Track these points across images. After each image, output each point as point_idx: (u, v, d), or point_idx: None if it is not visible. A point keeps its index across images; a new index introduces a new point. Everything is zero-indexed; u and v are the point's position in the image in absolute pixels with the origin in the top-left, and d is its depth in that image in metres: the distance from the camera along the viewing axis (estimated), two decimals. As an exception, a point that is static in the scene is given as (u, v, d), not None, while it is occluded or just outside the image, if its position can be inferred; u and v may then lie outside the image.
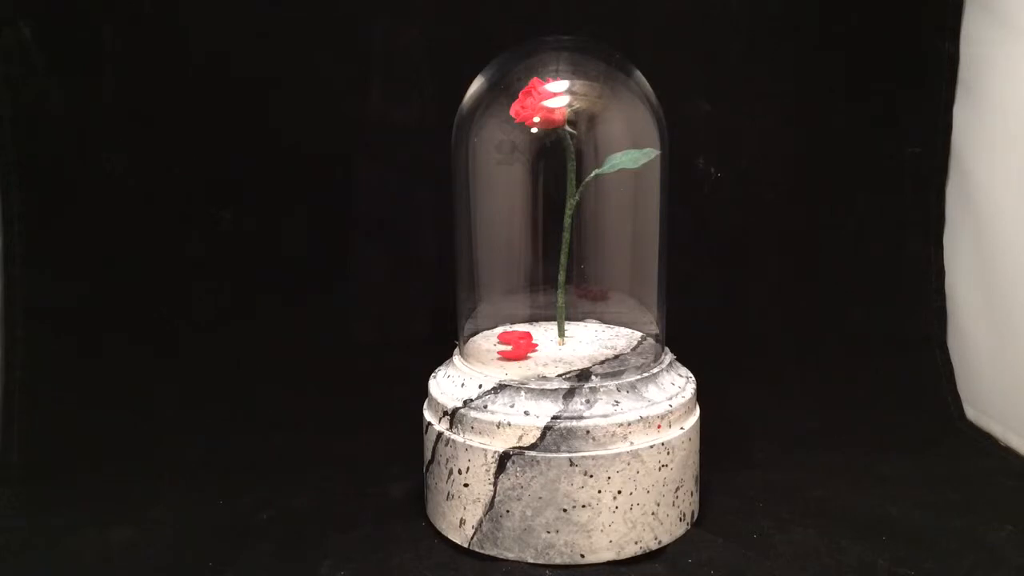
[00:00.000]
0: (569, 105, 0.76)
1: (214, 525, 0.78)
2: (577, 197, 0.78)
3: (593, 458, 0.70)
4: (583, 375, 0.74)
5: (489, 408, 0.72)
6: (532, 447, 0.70)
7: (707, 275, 1.10)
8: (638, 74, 0.81)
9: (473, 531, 0.72)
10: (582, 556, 0.71)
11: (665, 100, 0.81)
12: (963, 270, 1.05)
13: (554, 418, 0.70)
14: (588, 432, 0.70)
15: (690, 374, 0.80)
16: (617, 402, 0.72)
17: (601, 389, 0.73)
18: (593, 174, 0.77)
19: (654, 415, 0.72)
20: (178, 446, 0.93)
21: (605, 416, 0.71)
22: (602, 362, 0.77)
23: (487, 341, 0.82)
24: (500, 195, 0.82)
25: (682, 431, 0.74)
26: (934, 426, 0.99)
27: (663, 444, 0.72)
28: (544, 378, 0.73)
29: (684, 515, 0.75)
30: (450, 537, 0.75)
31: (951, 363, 1.05)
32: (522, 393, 0.72)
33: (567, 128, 0.76)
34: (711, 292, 1.11)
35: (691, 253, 1.07)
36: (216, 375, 1.03)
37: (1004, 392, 0.96)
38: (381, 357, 1.06)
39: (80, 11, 0.97)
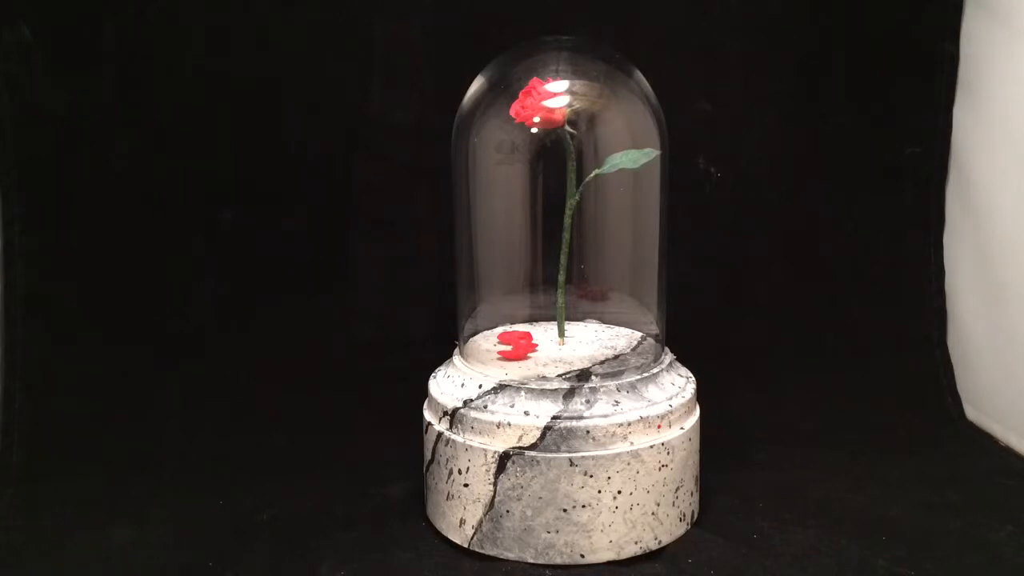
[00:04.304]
0: (569, 105, 0.76)
1: (214, 525, 0.78)
2: (577, 197, 0.78)
3: (593, 458, 0.70)
4: (583, 375, 0.74)
5: (489, 408, 0.72)
6: (532, 447, 0.70)
7: (707, 275, 1.10)
8: (638, 74, 0.81)
9: (473, 531, 0.72)
10: (582, 556, 0.71)
11: (665, 100, 0.81)
12: (963, 270, 1.05)
13: (554, 418, 0.70)
14: (588, 432, 0.70)
15: (690, 374, 0.80)
16: (617, 402, 0.72)
17: (601, 389, 0.73)
18: (593, 174, 0.77)
19: (654, 415, 0.72)
20: (178, 446, 0.93)
21: (605, 416, 0.71)
22: (602, 362, 0.77)
23: (487, 341, 0.82)
24: (500, 195, 0.82)
25: (682, 431, 0.74)
26: (934, 426, 0.99)
27: (663, 444, 0.72)
28: (544, 378, 0.73)
29: (684, 515, 0.75)
30: (450, 537, 0.75)
31: (951, 363, 1.05)
32: (522, 393, 0.72)
33: (567, 128, 0.76)
34: (711, 292, 1.11)
35: (691, 253, 1.07)
36: (216, 375, 1.03)
37: (1004, 392, 0.96)
38: (381, 357, 1.06)
39: (80, 11, 0.97)
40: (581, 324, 0.86)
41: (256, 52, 1.03)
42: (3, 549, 0.74)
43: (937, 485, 0.84)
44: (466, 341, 0.83)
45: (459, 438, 0.73)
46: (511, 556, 0.71)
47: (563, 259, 0.79)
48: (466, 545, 0.73)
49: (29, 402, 0.94)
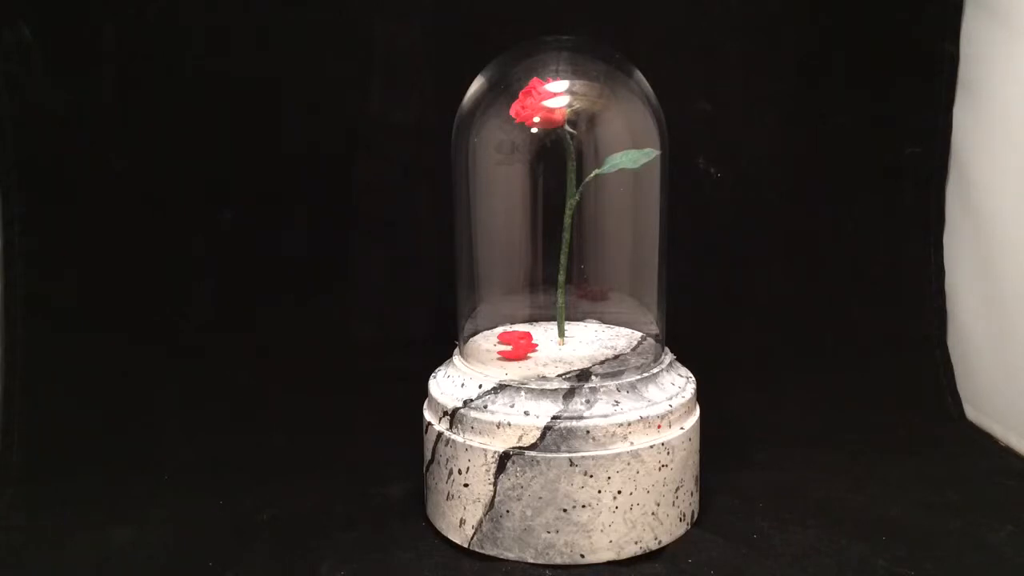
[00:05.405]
0: (569, 105, 0.76)
1: (214, 525, 0.78)
2: (577, 197, 0.78)
3: (593, 458, 0.70)
4: (583, 375, 0.74)
5: (489, 408, 0.72)
6: (532, 447, 0.70)
7: (707, 275, 1.10)
8: (638, 74, 0.81)
9: (473, 531, 0.72)
10: (582, 556, 0.71)
11: (665, 100, 0.81)
12: (963, 270, 1.05)
13: (554, 418, 0.70)
14: (588, 432, 0.70)
15: (690, 374, 0.80)
16: (617, 402, 0.72)
17: (601, 389, 0.73)
18: (593, 174, 0.77)
19: (654, 415, 0.72)
20: (178, 446, 0.93)
21: (605, 416, 0.71)
22: (602, 362, 0.77)
23: (487, 341, 0.82)
24: (500, 195, 0.82)
25: (682, 431, 0.74)
26: (934, 426, 0.99)
27: (663, 444, 0.72)
28: (544, 378, 0.73)
29: (684, 515, 0.75)
30: (450, 537, 0.75)
31: (951, 362, 1.05)
32: (522, 393, 0.72)
33: (567, 128, 0.76)
34: (711, 292, 1.11)
35: (691, 253, 1.07)
36: (216, 375, 1.03)
37: (1004, 392, 0.96)
38: (381, 357, 1.06)
39: (80, 11, 0.97)
40: (581, 324, 0.86)
41: (256, 52, 1.03)
42: (3, 549, 0.74)
43: (937, 485, 0.84)
44: (466, 341, 0.83)
45: (459, 438, 0.73)
46: (511, 556, 0.71)
47: (563, 259, 0.79)
48: (466, 545, 0.73)
49: (29, 402, 0.94)
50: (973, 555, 0.72)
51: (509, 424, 0.71)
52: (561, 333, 0.82)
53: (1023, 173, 0.93)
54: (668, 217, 0.82)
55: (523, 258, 0.83)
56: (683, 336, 0.84)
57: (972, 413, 1.01)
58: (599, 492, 0.70)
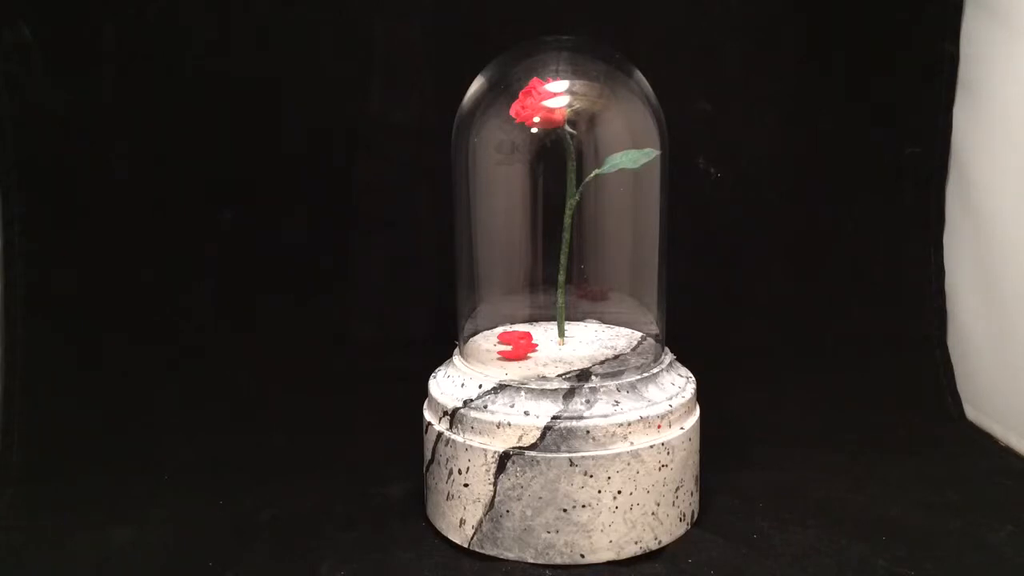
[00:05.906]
0: (569, 105, 0.76)
1: (214, 525, 0.78)
2: (577, 197, 0.78)
3: (593, 458, 0.70)
4: (583, 375, 0.74)
5: (489, 408, 0.72)
6: (532, 447, 0.70)
7: (707, 275, 1.10)
8: (638, 74, 0.81)
9: (473, 531, 0.72)
10: (582, 556, 0.71)
11: (665, 100, 0.81)
12: (963, 270, 1.05)
13: (554, 418, 0.70)
14: (588, 432, 0.70)
15: (690, 374, 0.80)
16: (617, 402, 0.72)
17: (601, 389, 0.73)
18: (593, 174, 0.77)
19: (654, 415, 0.72)
20: (178, 446, 0.93)
21: (605, 416, 0.71)
22: (602, 362, 0.77)
23: (487, 341, 0.82)
24: (500, 195, 0.82)
25: (682, 431, 0.74)
26: (934, 426, 0.99)
27: (663, 444, 0.72)
28: (544, 378, 0.73)
29: (684, 515, 0.75)
30: (450, 537, 0.75)
31: (951, 363, 1.05)
32: (522, 393, 0.72)
33: (567, 128, 0.76)
34: (711, 292, 1.11)
35: (691, 253, 1.07)
36: (216, 375, 1.03)
37: (1004, 392, 0.96)
38: (381, 357, 1.06)
39: (80, 11, 0.97)
40: (581, 324, 0.86)
41: (256, 52, 1.03)
42: (3, 549, 0.74)
43: (937, 485, 0.84)
44: (466, 341, 0.83)
45: (459, 438, 0.73)
46: (511, 556, 0.71)
47: (563, 259, 0.79)
48: (466, 545, 0.73)
49: (29, 402, 0.94)
50: (973, 555, 0.72)
51: (509, 424, 0.71)
52: (561, 333, 0.82)
53: (1023, 173, 0.93)
54: (668, 217, 0.82)
55: (523, 258, 0.83)
56: (683, 336, 0.84)
57: (972, 413, 1.01)
58: (599, 492, 0.70)
